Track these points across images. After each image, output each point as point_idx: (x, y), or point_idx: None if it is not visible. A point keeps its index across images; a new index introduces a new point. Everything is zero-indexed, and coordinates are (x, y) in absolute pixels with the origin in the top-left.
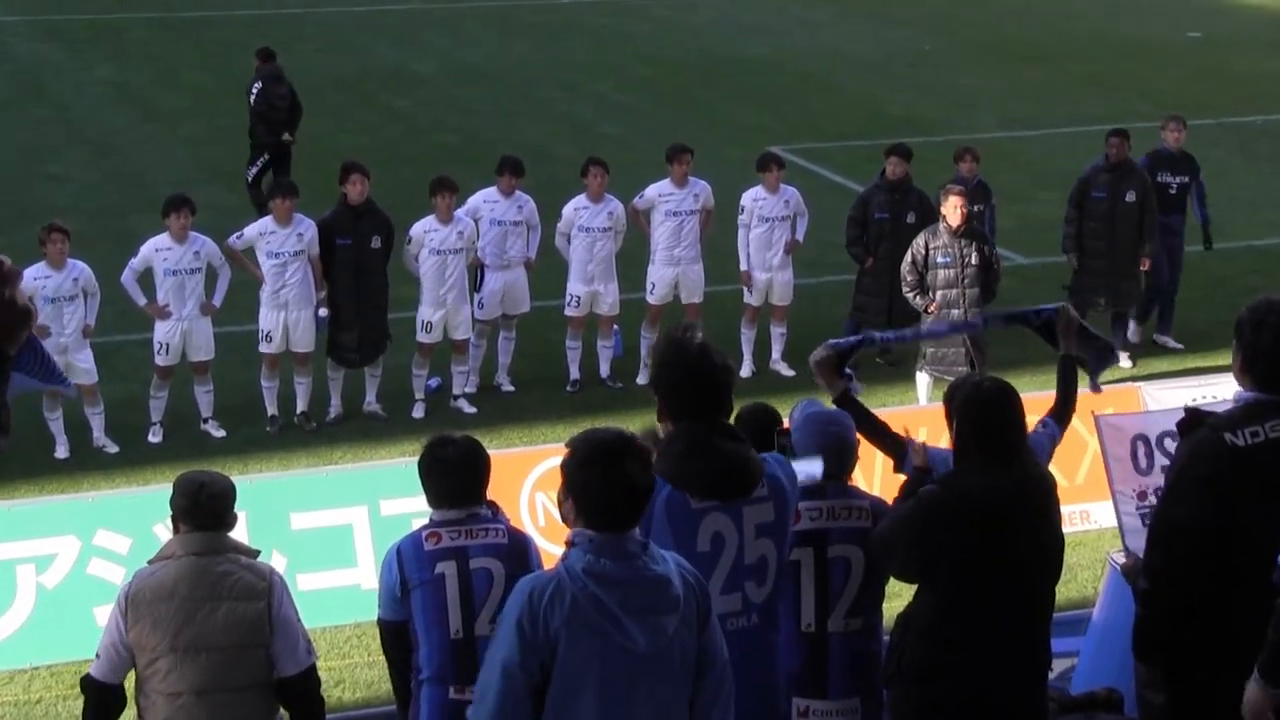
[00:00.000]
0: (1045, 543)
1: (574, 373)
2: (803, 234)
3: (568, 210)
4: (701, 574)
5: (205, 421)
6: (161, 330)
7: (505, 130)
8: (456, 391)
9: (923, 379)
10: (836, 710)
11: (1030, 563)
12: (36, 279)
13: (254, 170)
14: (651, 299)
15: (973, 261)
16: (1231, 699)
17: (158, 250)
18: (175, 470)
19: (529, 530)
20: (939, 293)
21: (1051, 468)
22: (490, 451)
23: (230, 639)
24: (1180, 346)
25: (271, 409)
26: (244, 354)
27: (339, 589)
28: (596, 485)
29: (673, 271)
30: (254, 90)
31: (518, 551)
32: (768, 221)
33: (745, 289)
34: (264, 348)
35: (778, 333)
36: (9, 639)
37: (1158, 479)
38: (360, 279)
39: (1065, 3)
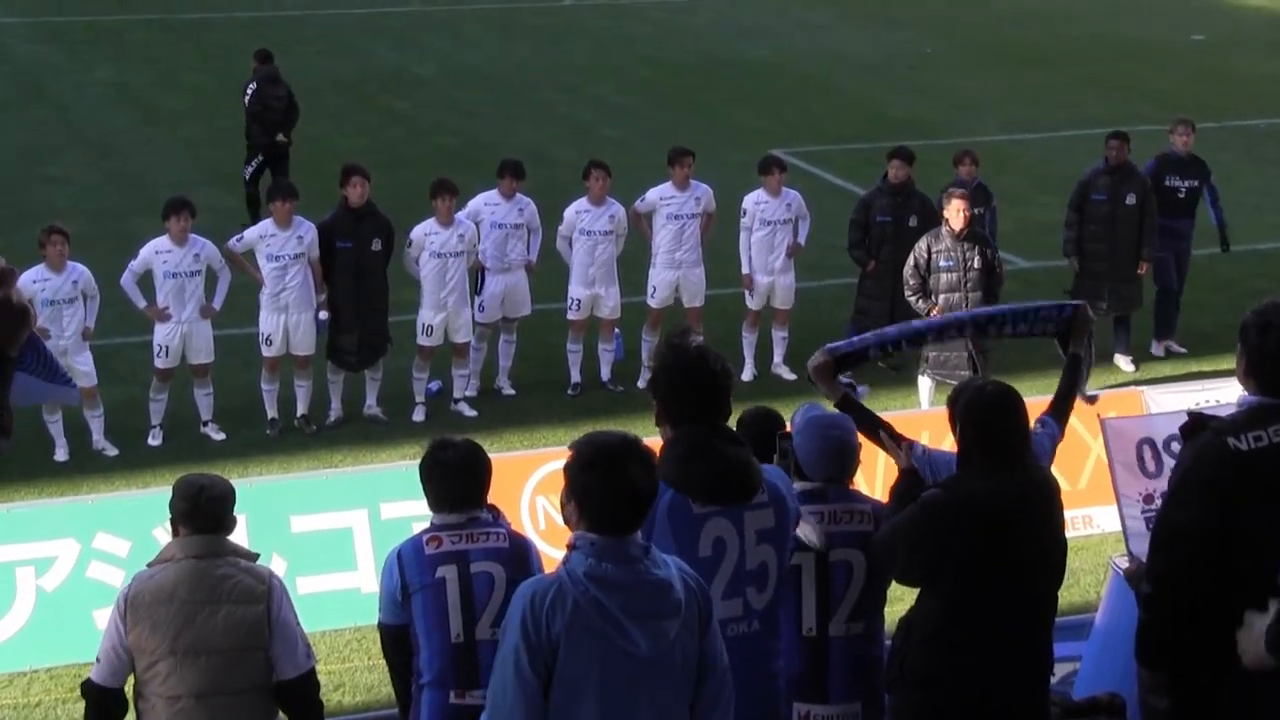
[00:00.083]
0: (1048, 547)
1: (575, 376)
2: (804, 237)
3: (569, 213)
4: (703, 579)
5: (205, 424)
6: (161, 333)
7: (505, 133)
8: (457, 395)
9: (925, 383)
10: (838, 715)
11: (1033, 567)
12: (36, 281)
13: (249, 170)
14: (652, 302)
15: (975, 265)
16: (1235, 704)
17: (157, 253)
18: (175, 473)
19: (529, 534)
20: (941, 296)
21: (1054, 472)
22: (491, 455)
23: (229, 642)
24: (1183, 350)
25: (271, 412)
26: (244, 357)
27: (339, 592)
28: (599, 489)
29: (674, 275)
30: (249, 91)
31: (519, 555)
32: (769, 225)
33: (746, 292)
34: (264, 351)
35: (779, 336)
36: (8, 642)
37: (1163, 483)
38: (360, 282)
39: (1066, 5)
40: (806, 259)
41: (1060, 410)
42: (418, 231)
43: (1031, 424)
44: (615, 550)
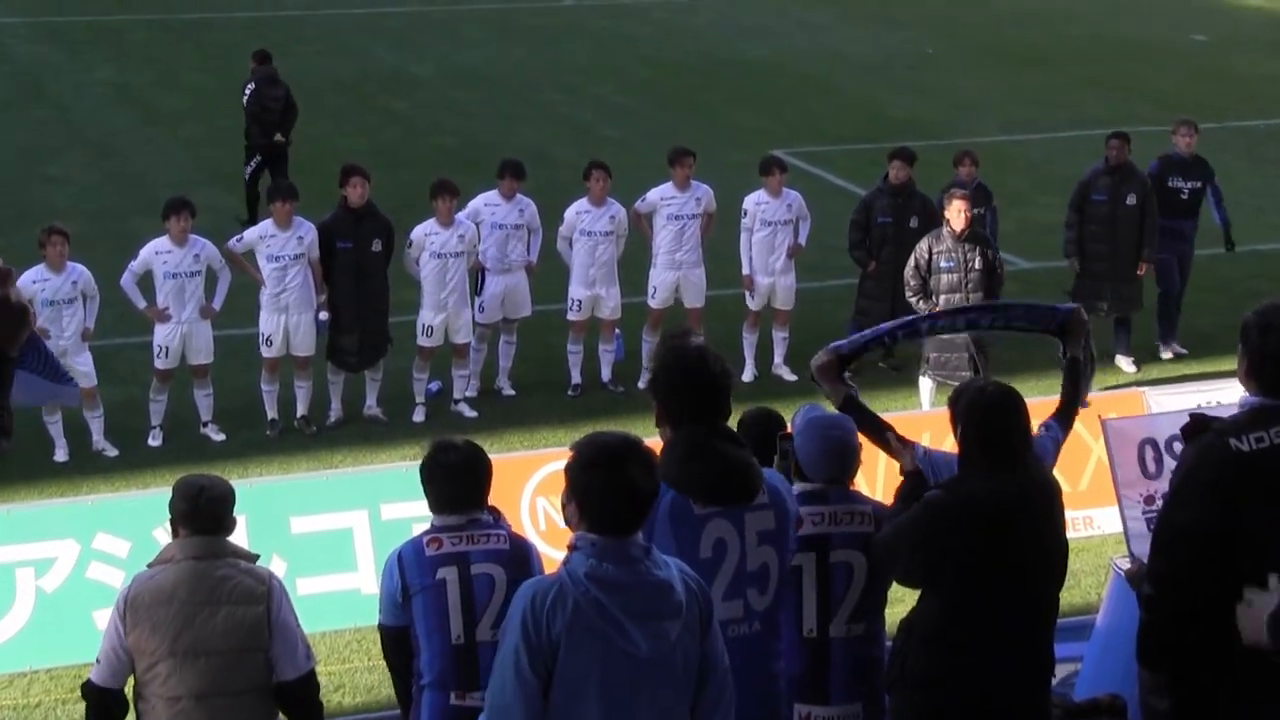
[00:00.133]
0: (1049, 547)
1: (575, 377)
2: (805, 238)
3: (569, 214)
4: (704, 580)
5: (205, 425)
6: (161, 333)
7: (505, 133)
8: (457, 395)
9: (926, 384)
10: (838, 716)
11: (1034, 567)
12: (35, 281)
13: (249, 170)
14: (653, 303)
15: (976, 266)
16: (1236, 705)
17: (157, 253)
18: (175, 474)
19: (530, 535)
20: (942, 297)
21: (1055, 473)
22: (491, 456)
23: (229, 643)
24: (1184, 352)
25: (271, 413)
26: (244, 357)
27: (339, 593)
28: (599, 489)
29: (674, 275)
30: (247, 91)
31: (519, 557)
32: (770, 225)
33: (747, 293)
34: (264, 351)
35: (780, 337)
36: (8, 642)
37: (1164, 483)
38: (361, 282)
39: (1066, 5)
40: (807, 260)
41: (1065, 415)
42: (418, 232)
43: (1035, 427)
44: (616, 551)
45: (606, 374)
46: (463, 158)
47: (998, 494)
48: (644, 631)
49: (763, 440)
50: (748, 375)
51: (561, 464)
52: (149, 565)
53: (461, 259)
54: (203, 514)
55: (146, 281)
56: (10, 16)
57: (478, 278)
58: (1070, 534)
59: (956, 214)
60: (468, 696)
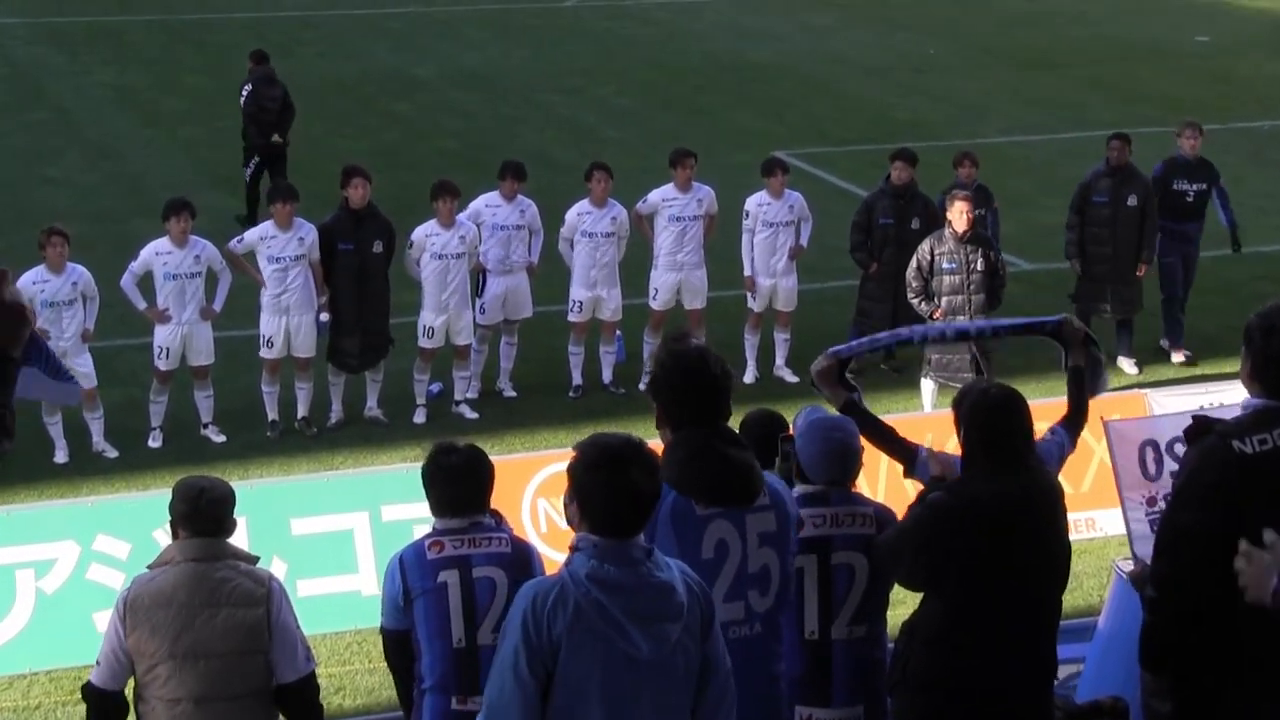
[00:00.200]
0: (1053, 549)
1: (576, 378)
2: (807, 239)
3: (571, 215)
4: (705, 581)
5: (205, 426)
6: (161, 335)
7: (506, 134)
8: (458, 397)
9: (928, 386)
10: (840, 718)
11: (1037, 569)
12: (35, 283)
13: (248, 171)
14: (654, 304)
15: (978, 267)
16: (1239, 708)
17: (158, 254)
18: (175, 475)
19: (530, 536)
20: (944, 299)
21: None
22: (492, 457)
23: (229, 645)
24: (1190, 353)
25: (272, 414)
26: (244, 359)
27: (339, 595)
28: (601, 491)
29: (676, 277)
30: (244, 93)
31: (521, 561)
32: (772, 227)
33: (749, 295)
34: (265, 353)
35: (781, 339)
36: (8, 644)
37: (1166, 484)
38: (362, 284)
39: (1069, 7)
40: (809, 261)
41: (1073, 422)
42: (419, 233)
43: (1043, 431)
44: (617, 552)
45: (608, 376)
46: (464, 159)
47: (1000, 496)
48: (645, 633)
49: (765, 442)
50: (749, 377)
51: (563, 465)
52: (149, 567)
53: (463, 260)
54: (203, 516)
55: (147, 283)
56: (10, 18)
57: (479, 279)
58: (1072, 536)
59: (959, 215)
60: (469, 701)
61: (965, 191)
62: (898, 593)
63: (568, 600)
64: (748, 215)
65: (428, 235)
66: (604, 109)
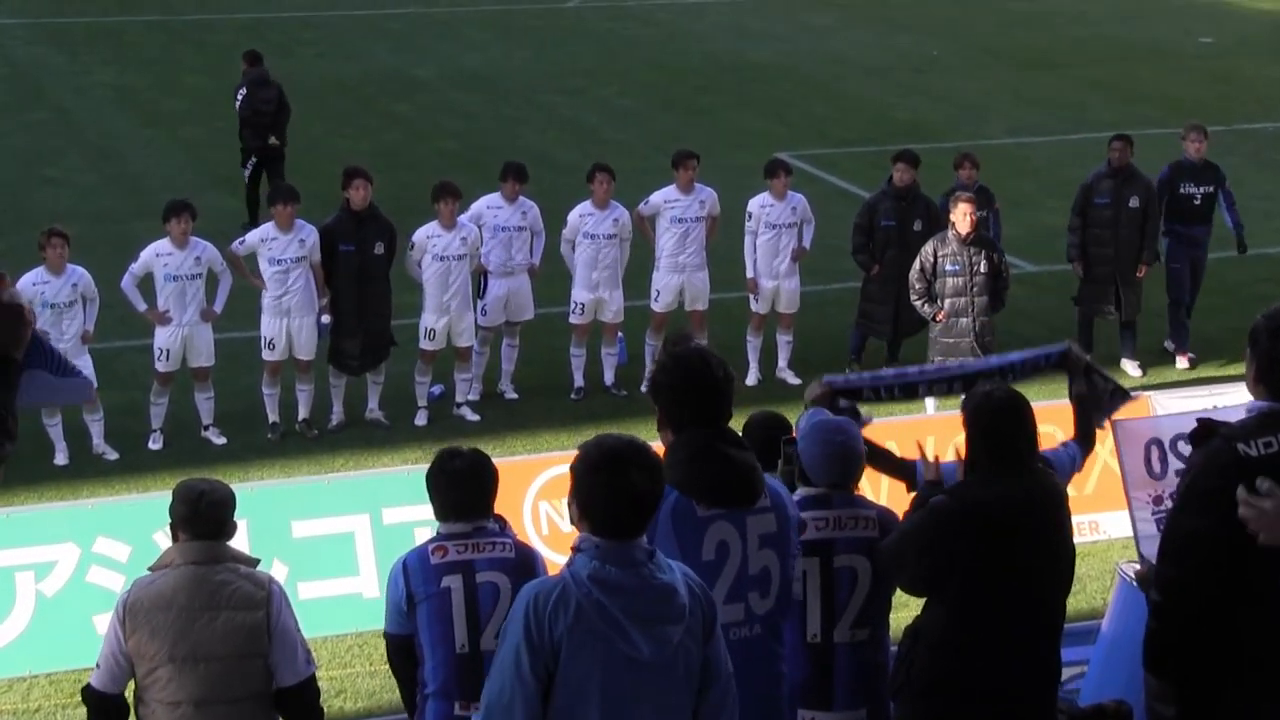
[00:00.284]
0: (1056, 552)
1: (578, 380)
2: (809, 241)
3: (573, 217)
4: (705, 582)
5: (206, 428)
6: (162, 336)
7: (507, 135)
8: (459, 399)
9: None
10: None
11: (1041, 572)
12: (35, 284)
13: (246, 173)
14: (656, 306)
15: (981, 269)
16: (1239, 708)
17: (158, 255)
18: (175, 477)
19: (531, 539)
20: (947, 301)
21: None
22: (493, 460)
23: (229, 649)
24: (1194, 356)
25: (273, 416)
26: (245, 360)
27: (340, 598)
28: (601, 492)
29: (678, 279)
30: (239, 96)
31: (525, 565)
32: (775, 228)
33: (751, 296)
34: (266, 355)
35: (784, 341)
36: (8, 647)
37: (1172, 483)
38: (363, 285)
39: (1072, 8)
40: (811, 263)
41: (1083, 443)
42: (420, 235)
43: (1047, 435)
44: (619, 553)
45: (609, 378)
46: (465, 160)
47: (1004, 499)
48: (646, 635)
49: (767, 444)
50: (751, 379)
51: (565, 468)
52: (149, 569)
53: (464, 262)
54: (203, 518)
55: (147, 284)
56: (10, 18)
57: (480, 281)
58: (1076, 539)
59: (962, 217)
60: (472, 706)
61: (969, 193)
62: (900, 596)
63: (569, 601)
64: (750, 217)
65: (429, 237)
66: (605, 110)
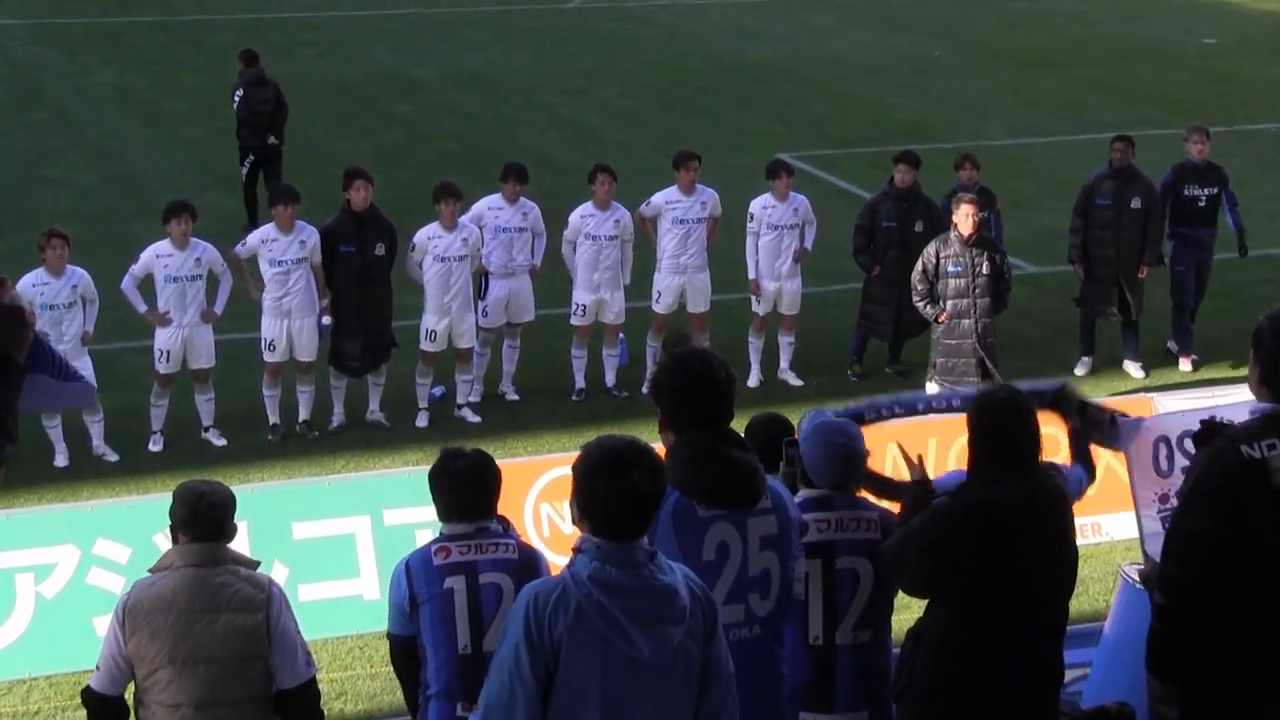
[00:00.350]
0: (1059, 554)
1: (579, 382)
2: (812, 242)
3: (574, 218)
4: (705, 583)
5: (206, 430)
6: (162, 337)
7: (508, 136)
8: (460, 400)
9: (932, 389)
10: None
11: (1043, 574)
12: (35, 285)
13: (244, 172)
14: (657, 307)
15: (984, 271)
16: (1242, 708)
17: (159, 256)
18: (176, 479)
19: (533, 541)
20: (949, 302)
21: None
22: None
23: (229, 651)
24: (1197, 358)
25: (273, 417)
26: (245, 362)
27: (341, 599)
28: (603, 493)
29: (679, 280)
30: (236, 96)
31: (528, 567)
32: (776, 229)
33: (753, 298)
34: (266, 356)
35: (785, 342)
36: (8, 649)
37: (1178, 481)
38: (364, 286)
39: (1073, 8)
40: (812, 264)
41: (1088, 471)
42: (421, 235)
43: (1049, 436)
44: (620, 554)
45: (611, 379)
46: (465, 161)
47: (1006, 500)
48: (646, 635)
49: (770, 446)
50: (753, 380)
51: (566, 470)
52: (149, 571)
53: (465, 263)
54: (203, 520)
55: (147, 285)
56: (10, 18)
57: (481, 282)
58: (1078, 540)
59: (965, 218)
60: (474, 708)
61: (971, 194)
62: (903, 598)
63: (569, 601)
64: (752, 218)
65: (430, 238)
66: (606, 111)
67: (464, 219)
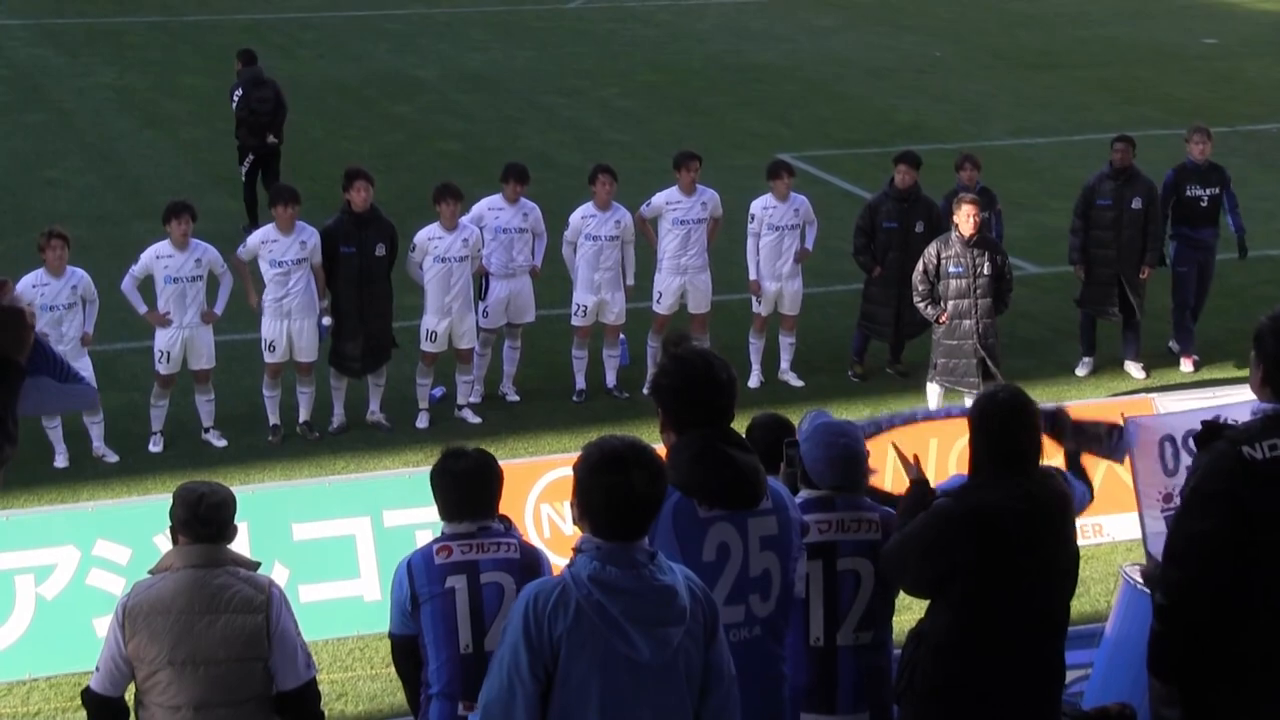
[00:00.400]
0: (1059, 555)
1: (580, 382)
2: (813, 243)
3: (575, 218)
4: (706, 584)
5: (206, 431)
6: (162, 338)
7: (509, 137)
8: (461, 401)
9: (933, 390)
10: None
11: (1045, 575)
12: (35, 286)
13: (243, 172)
14: (658, 308)
15: (985, 271)
16: (1242, 709)
17: (159, 257)
18: (176, 480)
19: (534, 541)
20: (950, 303)
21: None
22: None
23: (229, 652)
24: (1198, 359)
25: (274, 418)
26: (246, 363)
27: (341, 600)
28: (603, 494)
29: (680, 280)
30: (235, 97)
31: (530, 566)
32: (777, 230)
33: (754, 298)
34: (267, 357)
35: (786, 343)
36: (8, 650)
37: (1182, 480)
38: (364, 287)
39: (1075, 8)
40: (813, 264)
41: (1088, 485)
42: (421, 236)
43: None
44: (620, 555)
45: (611, 380)
46: (466, 161)
47: (1007, 501)
48: (646, 636)
49: (771, 446)
50: (754, 381)
51: (567, 470)
52: (149, 572)
53: (465, 263)
54: (203, 521)
55: (147, 286)
56: (10, 19)
57: (481, 283)
58: (1079, 541)
59: (966, 219)
60: (475, 708)
61: (972, 195)
62: (904, 599)
63: (568, 601)
64: (753, 219)
65: (430, 238)
66: (607, 111)
67: (464, 219)
